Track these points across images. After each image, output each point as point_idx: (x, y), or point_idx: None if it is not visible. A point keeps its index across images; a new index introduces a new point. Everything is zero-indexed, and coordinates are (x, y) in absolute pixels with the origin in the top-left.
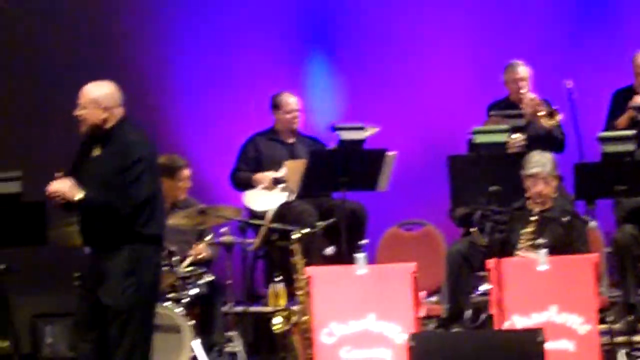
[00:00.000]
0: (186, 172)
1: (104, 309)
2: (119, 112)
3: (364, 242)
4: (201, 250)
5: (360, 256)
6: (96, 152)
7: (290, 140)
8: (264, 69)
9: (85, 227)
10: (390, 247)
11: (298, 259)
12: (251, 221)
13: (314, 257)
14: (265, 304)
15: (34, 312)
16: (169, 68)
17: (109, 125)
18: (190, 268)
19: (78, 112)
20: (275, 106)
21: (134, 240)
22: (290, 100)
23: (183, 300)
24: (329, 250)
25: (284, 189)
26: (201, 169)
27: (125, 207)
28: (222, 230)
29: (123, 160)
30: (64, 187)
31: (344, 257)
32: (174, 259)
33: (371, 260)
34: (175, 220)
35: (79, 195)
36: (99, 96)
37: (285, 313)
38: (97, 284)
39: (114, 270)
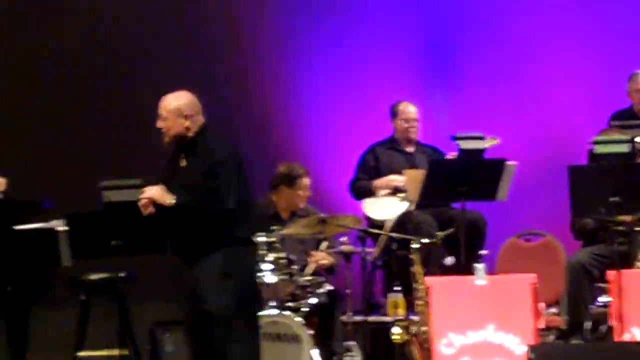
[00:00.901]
0: (306, 181)
1: (207, 315)
2: (199, 119)
3: (483, 252)
4: (322, 256)
5: (479, 266)
6: (182, 162)
7: (410, 150)
8: (386, 79)
9: (178, 237)
10: (510, 258)
11: (417, 269)
12: (370, 230)
13: (433, 267)
14: (384, 314)
15: (154, 320)
16: (292, 78)
17: (191, 133)
18: (309, 277)
19: (161, 124)
20: (394, 114)
21: (227, 244)
22: (409, 109)
23: (302, 310)
24: (448, 260)
25: (403, 199)
26: (322, 178)
27: (215, 210)
28: (342, 239)
29: (208, 166)
30: (156, 193)
31: (463, 268)
32: (293, 267)
33: (490, 271)
34: (294, 229)
35: (170, 199)
36: (180, 105)
37: (404, 323)
38: (195, 291)
39: (210, 275)
